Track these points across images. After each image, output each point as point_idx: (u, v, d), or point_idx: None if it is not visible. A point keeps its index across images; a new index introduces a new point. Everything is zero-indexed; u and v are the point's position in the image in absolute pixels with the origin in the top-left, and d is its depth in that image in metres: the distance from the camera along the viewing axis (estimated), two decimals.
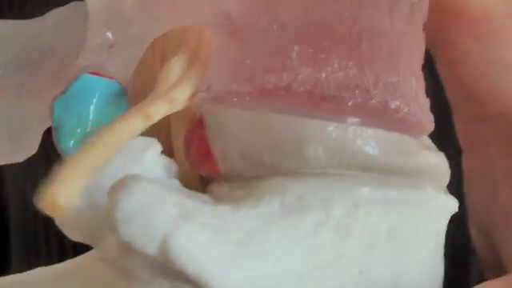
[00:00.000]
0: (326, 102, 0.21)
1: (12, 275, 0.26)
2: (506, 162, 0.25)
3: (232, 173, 0.22)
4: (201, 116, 0.22)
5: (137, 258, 0.20)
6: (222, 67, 0.22)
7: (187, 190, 0.22)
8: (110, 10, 0.22)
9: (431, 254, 0.23)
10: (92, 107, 0.22)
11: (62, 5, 0.25)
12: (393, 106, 0.21)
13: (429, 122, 0.23)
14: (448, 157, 0.24)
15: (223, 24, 0.22)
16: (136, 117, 0.21)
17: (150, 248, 0.19)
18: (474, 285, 0.23)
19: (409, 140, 0.23)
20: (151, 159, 0.22)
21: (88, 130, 0.22)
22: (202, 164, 0.22)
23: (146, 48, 0.23)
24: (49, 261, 0.26)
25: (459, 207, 0.26)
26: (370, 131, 0.22)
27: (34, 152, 0.24)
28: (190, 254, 0.20)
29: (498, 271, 0.26)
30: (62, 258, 0.26)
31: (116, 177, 0.21)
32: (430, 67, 0.25)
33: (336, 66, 0.21)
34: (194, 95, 0.22)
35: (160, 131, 0.23)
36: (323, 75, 0.21)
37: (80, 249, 0.24)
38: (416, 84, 0.22)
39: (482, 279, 0.27)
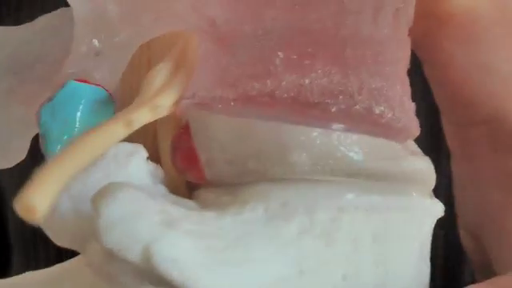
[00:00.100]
0: (310, 109, 0.21)
1: (3, 279, 0.26)
2: (494, 166, 0.25)
3: (218, 179, 0.22)
4: (187, 122, 0.23)
5: (121, 264, 0.20)
6: (206, 73, 0.22)
7: (173, 196, 0.22)
8: (96, 17, 0.22)
9: (416, 259, 0.23)
10: (78, 114, 0.22)
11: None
12: (377, 112, 0.21)
13: (414, 127, 0.23)
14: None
15: (208, 31, 0.22)
16: (117, 123, 0.21)
17: (133, 255, 0.20)
18: (466, 285, 0.23)
19: (394, 145, 0.23)
20: (136, 165, 0.22)
21: (74, 136, 0.22)
22: (189, 170, 0.23)
23: (133, 54, 0.23)
24: (47, 264, 0.26)
25: (451, 209, 0.26)
26: (355, 137, 0.22)
27: (22, 158, 0.24)
28: (174, 260, 0.20)
29: (488, 273, 0.26)
30: (60, 261, 0.26)
31: (101, 183, 0.21)
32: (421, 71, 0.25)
33: (320, 72, 0.21)
34: (178, 101, 0.22)
35: (147, 137, 0.24)
36: (307, 81, 0.21)
37: (77, 252, 0.24)
38: (401, 89, 0.22)
39: (475, 280, 0.28)
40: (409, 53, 0.23)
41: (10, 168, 0.25)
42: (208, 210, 0.22)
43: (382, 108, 0.21)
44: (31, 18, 0.25)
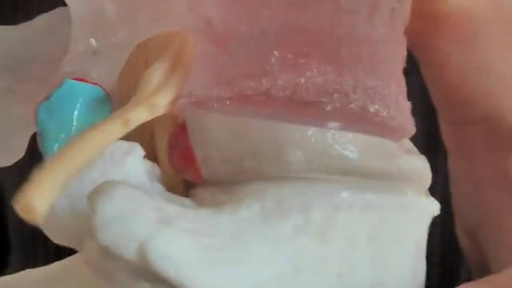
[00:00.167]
0: (305, 107, 0.21)
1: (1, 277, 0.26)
2: (491, 165, 0.26)
3: (214, 177, 0.23)
4: (183, 121, 0.23)
5: (117, 262, 0.20)
6: (203, 73, 0.22)
7: (169, 194, 0.23)
8: (93, 17, 0.22)
9: (412, 257, 0.23)
10: (76, 112, 0.23)
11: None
12: (372, 110, 0.21)
13: (409, 126, 0.23)
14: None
15: (204, 30, 0.22)
16: (115, 122, 0.21)
17: (128, 252, 0.20)
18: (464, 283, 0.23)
19: (389, 144, 0.23)
20: (133, 164, 0.22)
21: (72, 135, 0.22)
22: (185, 169, 0.23)
23: (130, 53, 0.23)
24: (46, 263, 0.27)
25: (448, 208, 0.26)
26: (350, 135, 0.22)
27: (20, 156, 0.24)
28: (170, 258, 0.20)
29: (485, 272, 0.26)
30: (59, 260, 0.26)
31: (98, 181, 0.21)
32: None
33: (315, 71, 0.21)
34: (175, 100, 0.22)
35: (144, 135, 0.24)
36: (302, 80, 0.21)
37: (76, 251, 0.25)
38: (396, 88, 0.22)
39: (472, 278, 0.28)
40: (404, 52, 0.23)
41: (9, 167, 0.25)
42: (204, 208, 0.22)
43: (377, 107, 0.22)
44: (28, 18, 0.25)
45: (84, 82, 0.23)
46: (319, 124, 0.22)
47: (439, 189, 0.26)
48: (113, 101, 0.23)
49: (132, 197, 0.20)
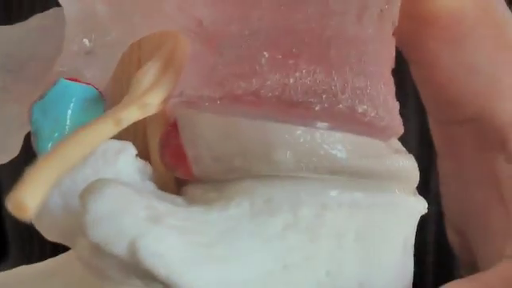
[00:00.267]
0: (294, 108, 0.21)
1: None
2: (477, 165, 0.26)
3: (205, 175, 0.23)
4: (175, 120, 0.23)
5: (108, 259, 0.21)
6: (194, 73, 0.22)
7: (161, 192, 0.23)
8: (86, 17, 0.23)
9: (400, 255, 0.23)
10: (69, 112, 0.23)
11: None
12: (360, 110, 0.22)
13: (397, 126, 0.23)
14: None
15: (195, 31, 0.22)
16: (107, 121, 0.21)
17: (119, 250, 0.20)
18: None
19: (378, 143, 0.23)
20: (125, 162, 0.23)
21: (65, 134, 0.23)
22: (177, 167, 0.23)
23: (124, 53, 0.23)
24: (42, 259, 0.27)
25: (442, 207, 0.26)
26: (338, 135, 0.22)
27: (15, 155, 0.25)
28: (160, 255, 0.20)
29: (474, 269, 0.27)
30: (55, 256, 0.26)
31: (90, 179, 0.21)
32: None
33: (304, 71, 0.22)
34: (167, 100, 0.22)
35: (137, 134, 0.24)
36: (291, 81, 0.21)
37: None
38: (385, 88, 0.23)
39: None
40: (393, 53, 0.24)
41: (6, 164, 0.26)
42: (195, 205, 0.22)
43: (365, 107, 0.22)
44: (21, 18, 0.25)
45: (77, 82, 0.23)
46: (308, 124, 0.22)
47: (434, 186, 0.26)
48: (106, 100, 0.24)
49: (123, 195, 0.21)
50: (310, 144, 0.22)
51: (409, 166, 0.24)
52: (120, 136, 0.22)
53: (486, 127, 0.26)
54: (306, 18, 0.22)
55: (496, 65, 0.25)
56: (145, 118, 0.23)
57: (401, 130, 0.23)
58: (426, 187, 0.25)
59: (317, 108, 0.21)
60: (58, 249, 0.24)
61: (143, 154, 0.24)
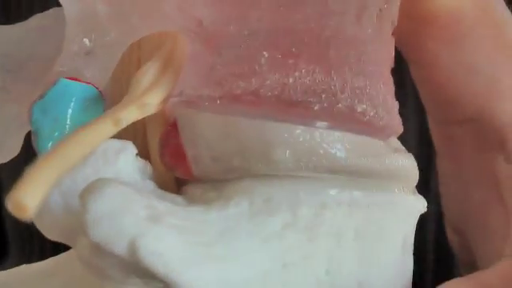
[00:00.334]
0: (293, 107, 0.22)
1: None
2: (476, 164, 0.26)
3: (205, 175, 0.23)
4: (175, 119, 0.23)
5: (108, 258, 0.21)
6: (193, 72, 0.22)
7: (161, 192, 0.23)
8: (86, 17, 0.23)
9: (399, 254, 0.24)
10: (69, 111, 0.23)
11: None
12: (359, 110, 0.22)
13: (397, 125, 0.23)
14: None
15: (195, 31, 0.22)
16: (106, 121, 0.21)
17: (119, 249, 0.20)
18: None
19: (377, 142, 0.23)
20: (125, 161, 0.23)
21: (66, 133, 0.23)
22: (176, 166, 0.23)
23: (123, 53, 0.23)
24: (42, 258, 0.27)
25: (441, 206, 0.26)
26: (337, 134, 0.22)
27: (15, 154, 0.25)
28: (159, 254, 0.20)
29: (473, 269, 0.27)
30: (55, 255, 0.26)
31: (90, 179, 0.21)
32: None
33: (304, 71, 0.22)
34: (166, 99, 0.23)
35: (136, 134, 0.24)
36: (291, 80, 0.22)
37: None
38: (384, 88, 0.23)
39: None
40: (393, 52, 0.24)
41: (6, 164, 0.26)
42: (194, 205, 0.22)
43: (365, 106, 0.22)
44: (20, 18, 0.25)
45: (78, 82, 0.23)
46: (307, 123, 0.22)
47: (433, 185, 0.26)
48: (105, 100, 0.24)
49: (123, 194, 0.21)
50: (310, 143, 0.22)
51: (408, 165, 0.24)
52: (120, 136, 0.23)
53: (486, 127, 0.26)
54: (305, 18, 0.22)
55: (495, 65, 0.25)
56: (144, 118, 0.23)
57: (400, 130, 0.23)
58: (426, 186, 0.25)
59: (316, 107, 0.22)
60: (58, 248, 0.24)
61: (143, 153, 0.24)
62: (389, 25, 0.23)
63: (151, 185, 0.23)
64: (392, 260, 0.23)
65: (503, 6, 0.26)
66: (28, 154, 0.25)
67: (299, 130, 0.22)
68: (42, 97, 0.23)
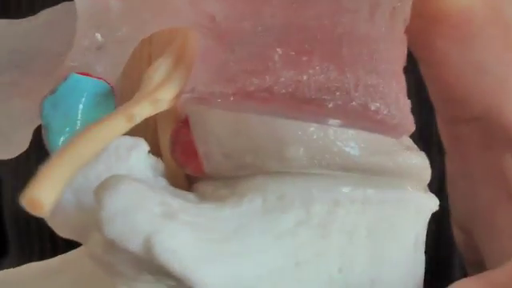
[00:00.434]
0: (307, 105, 0.21)
1: (3, 271, 0.26)
2: (484, 163, 0.26)
3: (216, 172, 0.23)
4: (186, 116, 0.23)
5: (121, 255, 0.21)
6: (206, 69, 0.22)
7: (173, 189, 0.23)
8: (98, 12, 0.23)
9: (411, 252, 0.24)
10: (80, 106, 0.23)
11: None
12: (373, 108, 0.22)
13: (409, 124, 0.23)
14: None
15: (208, 27, 0.22)
16: (119, 118, 0.21)
17: (134, 246, 0.20)
18: (457, 279, 0.23)
19: (389, 140, 0.23)
20: (138, 158, 0.23)
21: (77, 128, 0.23)
22: (187, 163, 0.23)
23: (135, 49, 0.23)
24: (42, 257, 0.27)
25: (442, 203, 0.26)
26: (351, 132, 0.22)
27: (24, 149, 0.25)
28: (174, 251, 0.20)
29: (480, 268, 0.27)
30: (54, 254, 0.26)
31: (102, 176, 0.21)
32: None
33: (317, 68, 0.22)
34: (178, 96, 0.22)
35: (148, 130, 0.24)
36: (305, 78, 0.21)
37: (72, 246, 0.25)
38: (397, 86, 0.23)
39: (465, 274, 0.28)
40: (405, 51, 0.24)
41: (6, 163, 0.25)
42: (206, 202, 0.22)
43: (378, 105, 0.22)
44: (20, 18, 0.25)
45: (89, 77, 0.23)
46: (320, 121, 0.22)
47: (434, 184, 0.26)
48: (116, 96, 0.23)
49: (137, 191, 0.21)
50: (324, 141, 0.22)
51: (420, 163, 0.24)
52: (130, 132, 0.22)
53: (493, 126, 0.26)
54: (317, 14, 0.22)
55: (504, 64, 0.25)
56: (155, 115, 0.23)
57: (412, 128, 0.23)
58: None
59: (330, 105, 0.21)
60: (58, 248, 0.24)
61: (154, 150, 0.24)
62: (401, 23, 0.23)
63: (163, 182, 0.23)
64: (404, 258, 0.23)
65: None
66: (28, 154, 0.25)
67: (313, 127, 0.22)
68: (53, 92, 0.23)
